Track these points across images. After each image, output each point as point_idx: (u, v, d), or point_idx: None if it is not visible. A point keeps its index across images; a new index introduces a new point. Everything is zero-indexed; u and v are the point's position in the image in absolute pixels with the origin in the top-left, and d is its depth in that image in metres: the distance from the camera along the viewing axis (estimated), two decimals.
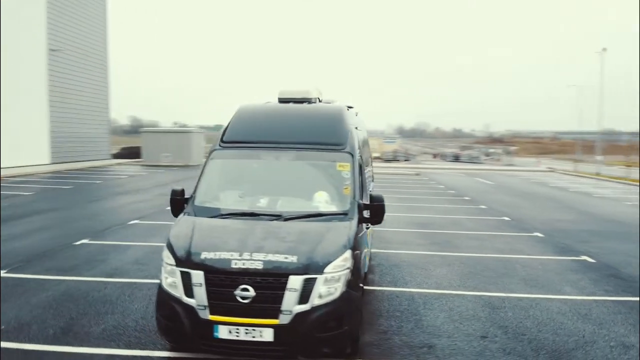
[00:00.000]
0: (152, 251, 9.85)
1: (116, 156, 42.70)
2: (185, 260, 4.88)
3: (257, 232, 5.15)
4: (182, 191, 6.00)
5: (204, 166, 6.16)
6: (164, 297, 4.98)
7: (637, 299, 7.67)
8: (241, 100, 7.27)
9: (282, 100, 7.02)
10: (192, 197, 5.86)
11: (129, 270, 8.51)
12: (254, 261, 4.74)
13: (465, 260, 9.89)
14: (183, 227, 5.36)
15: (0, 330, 5.83)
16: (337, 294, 4.79)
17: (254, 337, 4.67)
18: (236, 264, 4.74)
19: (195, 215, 5.57)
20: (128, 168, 33.62)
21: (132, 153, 42.60)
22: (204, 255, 4.85)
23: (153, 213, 14.62)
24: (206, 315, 4.71)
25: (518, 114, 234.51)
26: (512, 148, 59.32)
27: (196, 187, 5.96)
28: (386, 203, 5.79)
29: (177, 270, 4.89)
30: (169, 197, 5.93)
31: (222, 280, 4.73)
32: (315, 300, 4.69)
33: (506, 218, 15.61)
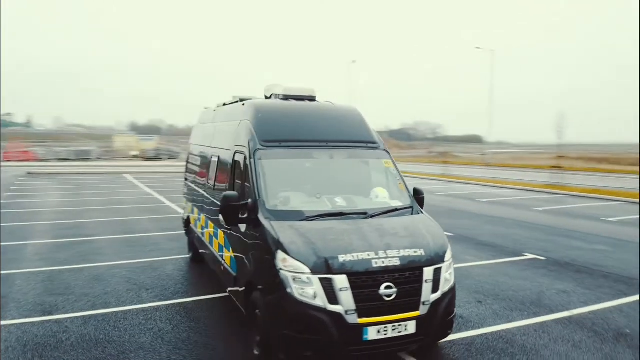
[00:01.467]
0: (46, 279, 7.97)
1: None
2: (323, 267, 4.58)
3: (367, 230, 5.09)
4: (238, 197, 5.37)
5: (255, 167, 5.54)
6: (301, 310, 4.54)
7: (520, 258, 10.07)
8: None
9: (291, 97, 6.75)
10: (259, 201, 5.28)
11: (61, 304, 6.78)
12: (391, 258, 4.79)
13: None
14: (289, 233, 4.87)
15: None
16: (452, 280, 5.24)
17: (400, 332, 4.74)
18: (377, 263, 4.71)
19: (278, 220, 5.10)
20: None
21: None
22: (342, 258, 4.64)
23: None
24: (355, 319, 4.56)
25: None
26: None
27: (257, 190, 5.37)
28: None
29: (315, 278, 4.55)
30: None
31: (364, 282, 4.64)
32: (443, 288, 5.04)
33: None
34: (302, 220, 5.14)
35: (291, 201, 5.46)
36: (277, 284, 4.68)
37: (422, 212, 5.91)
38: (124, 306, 6.74)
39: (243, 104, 6.64)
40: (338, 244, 4.83)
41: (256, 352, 5.14)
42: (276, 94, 6.83)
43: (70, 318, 6.26)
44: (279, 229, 4.96)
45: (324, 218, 5.24)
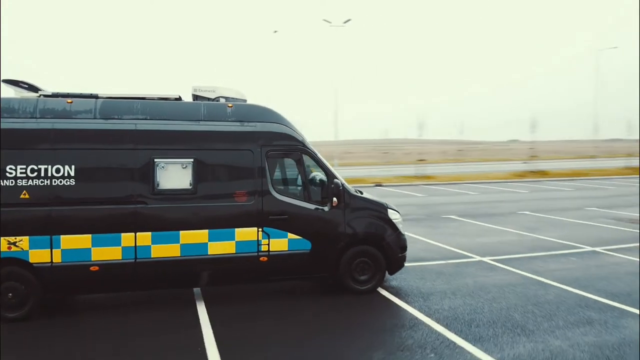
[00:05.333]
0: None
1: None
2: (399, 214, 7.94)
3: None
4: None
5: (323, 161, 7.37)
6: (404, 239, 7.73)
7: None
8: None
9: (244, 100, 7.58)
10: (344, 185, 7.31)
11: None
12: None
13: None
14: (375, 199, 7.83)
15: None
16: None
17: None
18: None
19: (359, 195, 7.67)
20: None
21: None
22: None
23: None
24: None
25: None
26: None
27: (337, 177, 7.27)
28: None
29: (401, 219, 7.84)
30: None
31: None
32: None
33: None
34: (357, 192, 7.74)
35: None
36: (392, 228, 7.51)
37: None
38: None
39: (231, 106, 7.00)
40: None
41: (363, 288, 7.32)
42: (227, 97, 7.27)
43: None
44: (375, 199, 7.68)
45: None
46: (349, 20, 36.17)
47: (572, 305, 6.76)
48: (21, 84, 6.83)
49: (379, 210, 7.51)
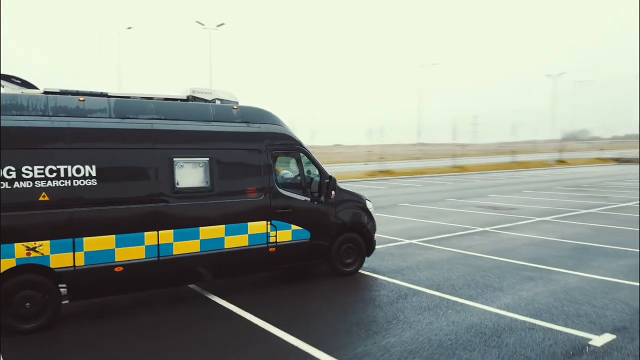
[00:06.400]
0: None
1: None
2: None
3: None
4: None
5: (315, 158, 8.10)
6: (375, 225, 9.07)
7: None
8: None
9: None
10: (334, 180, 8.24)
11: None
12: None
13: None
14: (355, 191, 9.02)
15: None
16: None
17: None
18: None
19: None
20: None
21: None
22: None
23: None
24: None
25: None
26: None
27: (327, 172, 8.23)
28: None
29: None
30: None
31: None
32: None
33: None
34: None
35: None
36: (369, 217, 8.70)
37: None
38: None
39: (236, 108, 7.46)
40: None
41: (350, 269, 8.36)
42: (222, 99, 7.72)
43: None
44: (355, 192, 8.81)
45: None
46: (222, 24, 35.95)
47: (509, 269, 8.66)
48: (13, 80, 6.39)
49: (360, 201, 8.59)
